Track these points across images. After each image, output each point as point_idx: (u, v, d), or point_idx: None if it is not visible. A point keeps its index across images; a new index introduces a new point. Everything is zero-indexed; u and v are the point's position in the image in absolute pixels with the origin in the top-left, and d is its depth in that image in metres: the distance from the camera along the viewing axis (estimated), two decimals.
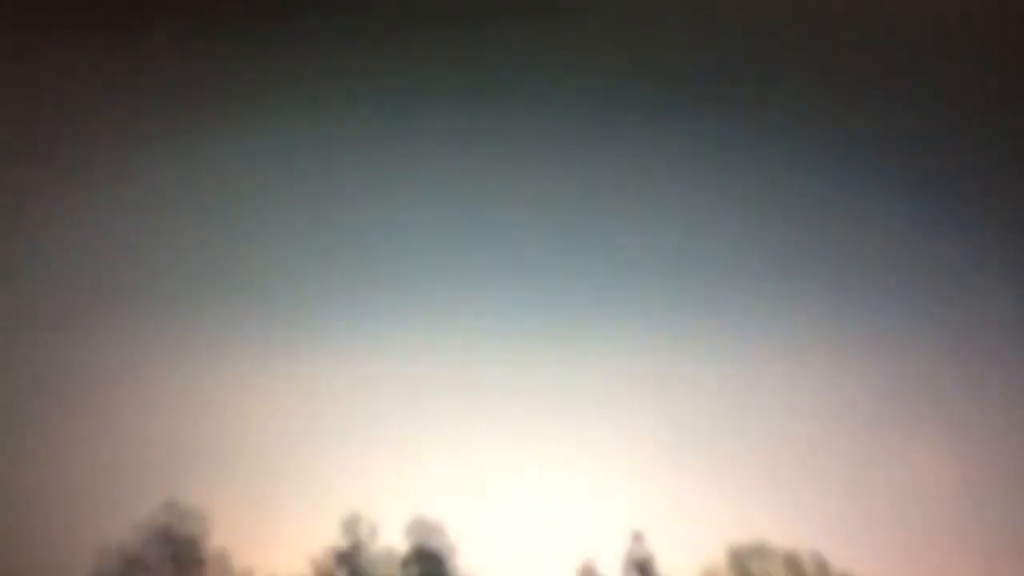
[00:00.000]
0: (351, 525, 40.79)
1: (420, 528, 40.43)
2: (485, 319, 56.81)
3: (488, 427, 56.22)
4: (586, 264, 59.19)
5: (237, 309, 57.56)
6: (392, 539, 40.62)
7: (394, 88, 60.40)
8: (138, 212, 56.49)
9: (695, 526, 50.62)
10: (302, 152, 59.48)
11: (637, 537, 40.22)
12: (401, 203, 60.21)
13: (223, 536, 41.61)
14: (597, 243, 59.11)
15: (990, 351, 53.98)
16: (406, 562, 39.28)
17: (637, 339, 55.52)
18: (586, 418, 56.60)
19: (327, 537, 40.87)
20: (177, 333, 55.16)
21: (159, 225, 57.33)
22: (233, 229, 58.30)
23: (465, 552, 40.63)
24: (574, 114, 59.23)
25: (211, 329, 55.81)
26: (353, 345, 57.46)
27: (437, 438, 56.71)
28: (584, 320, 56.26)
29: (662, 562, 39.53)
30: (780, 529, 48.90)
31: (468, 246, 60.50)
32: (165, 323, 55.91)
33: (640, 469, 54.70)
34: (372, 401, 56.85)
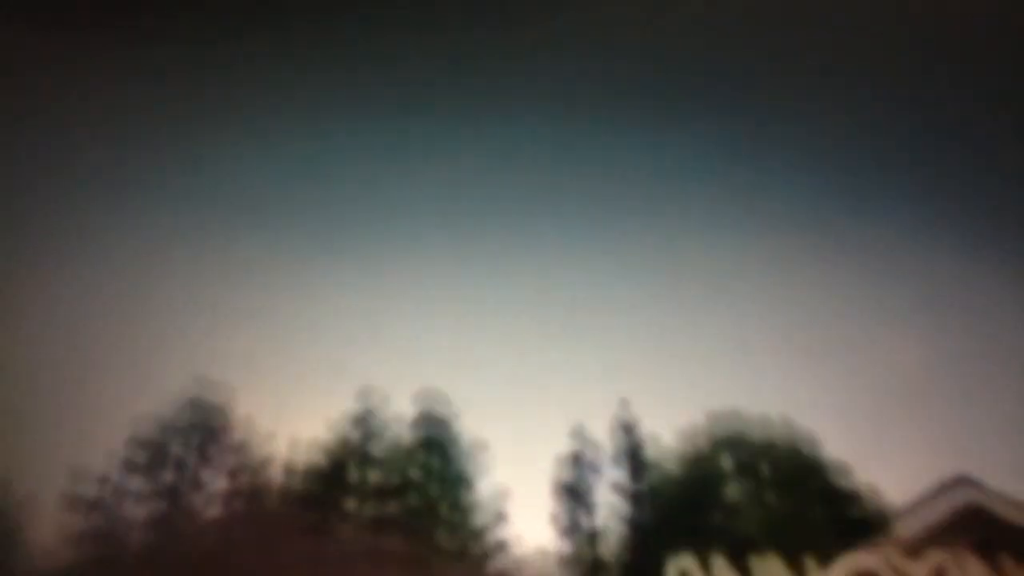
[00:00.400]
0: (364, 394, 41.59)
1: (426, 397, 41.27)
2: (482, 213, 57.02)
3: (488, 307, 57.01)
4: (579, 157, 59.13)
5: (265, 202, 57.82)
6: (401, 407, 41.45)
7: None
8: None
9: (676, 394, 51.60)
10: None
11: (623, 403, 41.09)
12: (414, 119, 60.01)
13: (248, 404, 42.36)
14: (588, 139, 58.97)
15: (955, 249, 54.31)
16: (414, 425, 40.10)
17: (626, 223, 55.79)
18: (577, 297, 57.31)
19: (343, 405, 41.65)
20: (210, 222, 55.48)
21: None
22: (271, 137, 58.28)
23: (467, 417, 41.50)
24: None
25: (241, 220, 56.10)
26: (369, 237, 57.92)
27: (442, 317, 57.55)
28: (574, 207, 56.42)
29: (645, 425, 40.39)
30: (754, 397, 49.81)
31: (467, 149, 60.44)
32: (201, 212, 56.17)
33: (627, 342, 55.63)
34: (384, 285, 57.52)
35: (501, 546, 34.31)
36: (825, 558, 9.27)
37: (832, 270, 56.43)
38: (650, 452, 38.98)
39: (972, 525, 9.50)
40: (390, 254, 57.00)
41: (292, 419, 49.92)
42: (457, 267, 58.15)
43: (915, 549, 9.39)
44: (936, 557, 8.25)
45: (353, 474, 37.38)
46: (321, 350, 57.86)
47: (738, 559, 27.50)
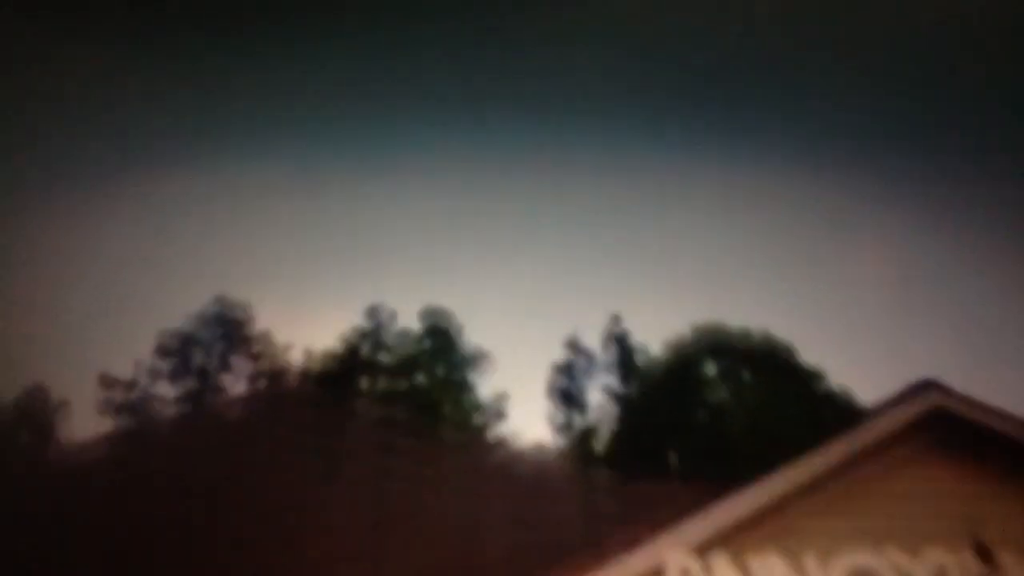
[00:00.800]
0: (374, 311, 41.64)
1: (431, 312, 41.31)
2: (484, 141, 56.66)
3: (489, 228, 56.92)
4: (577, 81, 58.54)
5: (282, 127, 57.42)
6: (408, 322, 41.54)
7: None
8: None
9: (664, 308, 51.73)
10: None
11: (614, 318, 41.14)
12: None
13: (266, 319, 42.50)
14: (590, 61, 58.30)
15: (924, 175, 54.09)
16: (421, 338, 40.20)
17: (620, 152, 55.51)
18: (573, 219, 57.20)
19: (353, 321, 41.76)
20: (231, 148, 55.19)
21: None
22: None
23: (469, 329, 41.61)
24: None
25: (259, 146, 55.76)
26: (377, 165, 57.67)
27: (446, 239, 57.47)
28: (573, 134, 56.05)
29: (635, 337, 40.51)
30: (736, 311, 49.99)
31: (469, 71, 59.83)
32: (221, 137, 55.89)
33: (618, 260, 55.72)
34: (392, 210, 57.33)
35: (500, 441, 34.62)
36: (799, 454, 9.33)
37: (810, 195, 56.20)
38: (639, 359, 39.13)
39: (936, 424, 9.59)
40: (397, 181, 56.76)
41: (305, 334, 50.07)
42: (460, 191, 57.94)
43: (882, 446, 9.48)
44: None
45: (363, 380, 37.56)
46: (333, 268, 57.95)
47: (720, 456, 27.77)
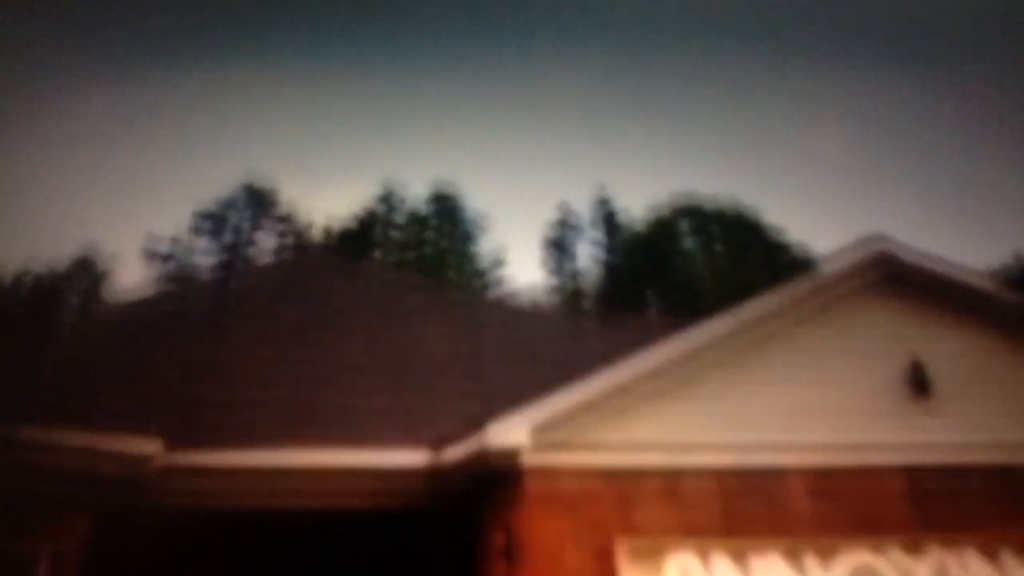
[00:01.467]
0: (387, 182, 41.41)
1: (438, 181, 41.09)
2: (481, 22, 55.29)
3: (490, 105, 56.16)
4: None
5: (297, 10, 55.99)
6: (417, 192, 41.37)
7: None
8: None
9: (646, 178, 51.59)
10: None
11: (601, 186, 40.94)
12: None
13: (290, 189, 42.33)
14: None
15: (876, 58, 52.96)
16: (428, 201, 40.10)
17: (609, 30, 54.28)
18: (563, 97, 56.33)
19: (369, 191, 41.56)
20: (254, 33, 53.98)
21: None
22: None
23: (472, 195, 41.50)
24: None
25: (278, 30, 54.45)
26: (387, 53, 56.56)
27: (450, 114, 56.86)
28: (566, 13, 54.64)
29: (619, 201, 40.39)
30: (709, 180, 49.83)
31: None
32: (245, 22, 54.56)
33: (606, 134, 55.18)
34: (400, 93, 56.49)
35: (499, 282, 35.03)
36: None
37: (776, 75, 55.28)
38: (622, 219, 39.15)
39: (882, 266, 9.50)
40: (405, 66, 55.87)
41: (325, 206, 49.99)
42: (463, 74, 56.97)
43: (828, 290, 9.40)
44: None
45: (379, 235, 37.63)
46: (348, 147, 57.56)
47: (692, 300, 28.29)
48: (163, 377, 10.89)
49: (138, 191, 54.83)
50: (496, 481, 8.18)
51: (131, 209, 55.30)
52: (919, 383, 8.95)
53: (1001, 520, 8.28)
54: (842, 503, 8.17)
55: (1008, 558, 8.16)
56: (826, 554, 8.04)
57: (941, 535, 8.22)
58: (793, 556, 8.02)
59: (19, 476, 7.75)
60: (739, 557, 7.91)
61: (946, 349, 9.15)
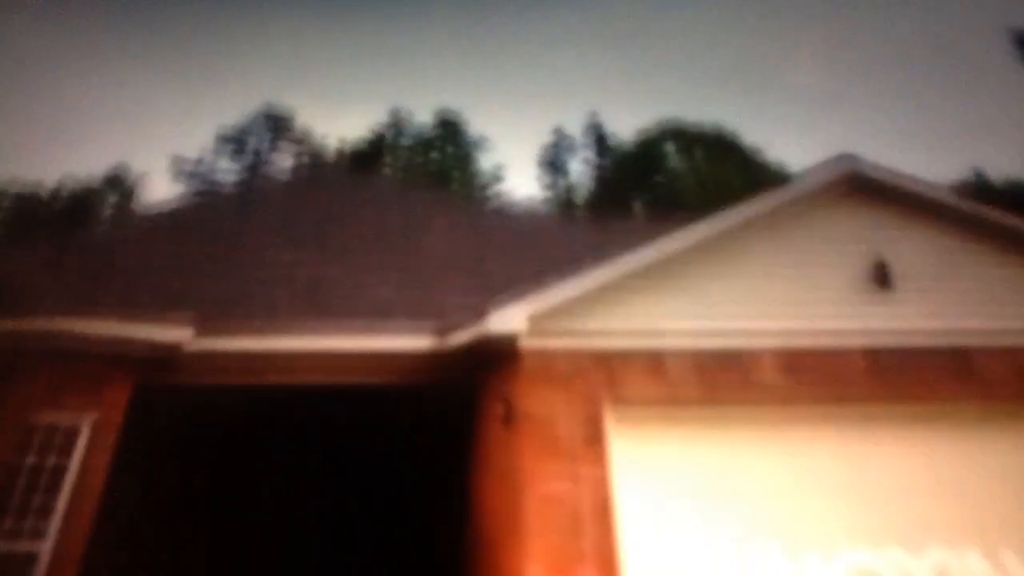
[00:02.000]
0: (394, 109, 40.85)
1: (442, 109, 40.52)
2: None
3: (490, 36, 55.13)
4: None
5: None
6: (422, 118, 40.84)
7: None
8: None
9: (635, 105, 50.91)
10: None
11: (593, 112, 40.41)
12: None
13: (305, 118, 41.85)
14: None
15: None
16: (434, 125, 39.65)
17: None
18: (560, 27, 55.32)
19: (379, 117, 41.08)
20: None
21: None
22: None
23: (474, 122, 41.03)
24: None
25: None
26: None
27: (452, 48, 55.86)
28: None
29: (609, 126, 39.93)
30: (691, 107, 49.26)
31: None
32: None
33: (598, 64, 54.31)
34: (407, 28, 55.49)
35: (498, 196, 34.88)
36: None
37: (757, 7, 54.24)
38: (612, 142, 38.74)
39: (851, 180, 9.45)
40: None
41: (338, 126, 49.36)
42: (465, 5, 55.89)
43: (809, 197, 9.35)
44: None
45: (388, 154, 37.35)
46: (360, 74, 56.66)
47: (672, 208, 28.21)
48: (191, 274, 10.93)
49: (164, 117, 54.31)
50: (496, 361, 8.34)
51: (158, 133, 54.82)
52: (881, 278, 8.99)
53: (953, 395, 8.43)
54: (808, 378, 8.31)
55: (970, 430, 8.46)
56: (793, 421, 8.27)
57: (897, 406, 8.40)
58: (766, 423, 8.24)
59: (65, 358, 7.91)
60: (716, 424, 8.16)
61: (907, 250, 9.18)
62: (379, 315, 9.96)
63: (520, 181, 47.91)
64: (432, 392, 9.17)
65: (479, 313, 8.18)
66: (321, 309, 10.16)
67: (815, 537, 7.87)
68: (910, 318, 8.80)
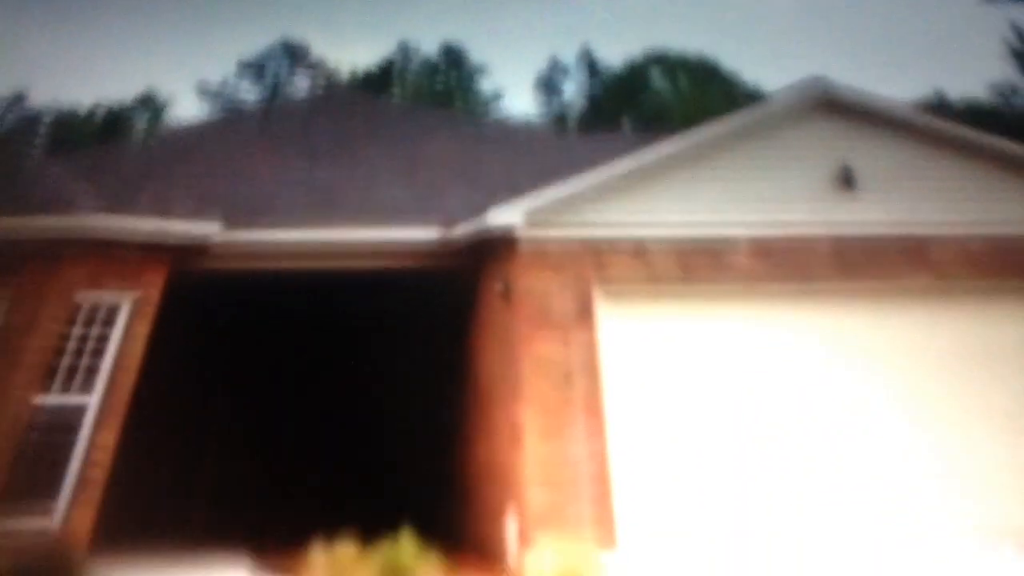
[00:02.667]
0: (402, 45, 39.86)
1: (446, 40, 39.58)
2: None
3: None
4: None
5: None
6: (428, 48, 39.93)
7: None
8: None
9: (623, 36, 49.83)
10: None
11: (585, 42, 39.49)
12: None
13: (319, 49, 40.88)
14: None
15: None
16: (438, 55, 38.82)
17: None
18: None
19: (387, 49, 40.14)
20: None
21: None
22: None
23: (475, 52, 40.12)
24: None
25: None
26: None
27: None
28: None
29: (600, 55, 38.98)
30: (676, 37, 48.14)
31: None
32: None
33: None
34: None
35: (497, 109, 34.56)
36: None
37: None
38: (602, 66, 38.00)
39: (820, 99, 9.31)
40: None
41: (349, 56, 48.35)
42: None
43: (783, 114, 9.25)
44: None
45: (396, 79, 36.75)
46: (370, 6, 55.28)
47: (657, 125, 27.87)
48: (218, 181, 10.85)
49: (189, 48, 53.22)
50: (496, 249, 8.40)
51: (183, 62, 53.88)
52: (846, 181, 8.96)
53: (909, 277, 8.56)
54: (777, 262, 8.40)
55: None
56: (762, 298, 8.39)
57: (858, 286, 8.50)
58: (738, 301, 8.36)
59: (106, 248, 7.99)
60: (692, 300, 8.28)
61: (871, 158, 9.12)
62: (389, 214, 9.93)
63: (517, 104, 47.14)
64: (438, 276, 9.23)
65: (480, 211, 8.24)
66: (336, 209, 10.13)
67: (776, 393, 8.08)
68: (871, 213, 8.82)
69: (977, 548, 7.21)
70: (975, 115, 24.03)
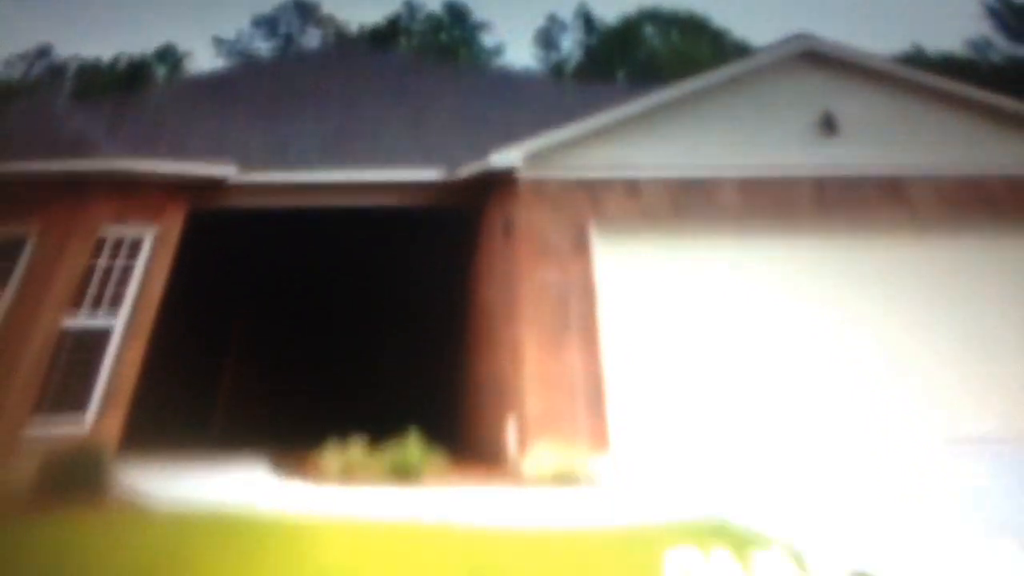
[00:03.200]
0: (407, 3, 38.84)
1: (451, 4, 38.51)
2: None
3: None
4: None
5: None
6: (433, 7, 38.90)
7: None
8: None
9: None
10: None
11: (582, 3, 38.39)
12: None
13: (328, 8, 39.90)
14: None
15: None
16: (443, 11, 37.86)
17: None
18: None
19: (395, 6, 39.12)
20: None
21: None
22: None
23: (478, 10, 39.09)
24: None
25: None
26: None
27: None
28: None
29: (597, 13, 37.98)
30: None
31: None
32: None
33: None
34: None
35: (498, 63, 33.86)
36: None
37: None
38: (598, 23, 37.13)
39: (805, 54, 9.05)
40: None
41: (358, 16, 47.11)
42: None
43: (770, 68, 9.02)
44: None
45: (402, 35, 35.98)
46: None
47: (654, 76, 27.35)
48: (234, 128, 10.65)
49: (206, 1, 51.97)
50: (497, 189, 8.37)
51: (200, 15, 52.65)
52: (829, 127, 8.84)
53: (886, 213, 8.48)
54: (762, 199, 8.32)
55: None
56: (747, 233, 8.34)
57: (838, 221, 8.43)
58: (725, 235, 8.31)
59: (129, 188, 7.90)
60: (681, 234, 8.23)
61: (852, 106, 8.99)
62: (396, 158, 9.77)
63: (517, 58, 46.21)
64: (443, 212, 9.14)
65: (482, 155, 8.21)
66: (346, 153, 9.96)
67: (759, 316, 8.08)
68: (851, 156, 8.71)
69: (945, 453, 7.27)
70: (951, 68, 23.61)
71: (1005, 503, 5.60)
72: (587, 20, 36.47)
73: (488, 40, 35.76)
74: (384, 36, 34.56)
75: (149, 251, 7.76)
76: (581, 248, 7.76)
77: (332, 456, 6.68)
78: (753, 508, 5.40)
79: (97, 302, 7.52)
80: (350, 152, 9.99)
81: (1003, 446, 7.41)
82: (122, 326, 7.45)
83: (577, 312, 7.48)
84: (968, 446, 7.42)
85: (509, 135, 9.69)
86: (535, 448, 6.90)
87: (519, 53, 39.16)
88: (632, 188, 8.14)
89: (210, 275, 10.53)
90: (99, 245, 7.61)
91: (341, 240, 10.94)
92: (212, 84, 15.59)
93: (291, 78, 14.64)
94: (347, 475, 6.51)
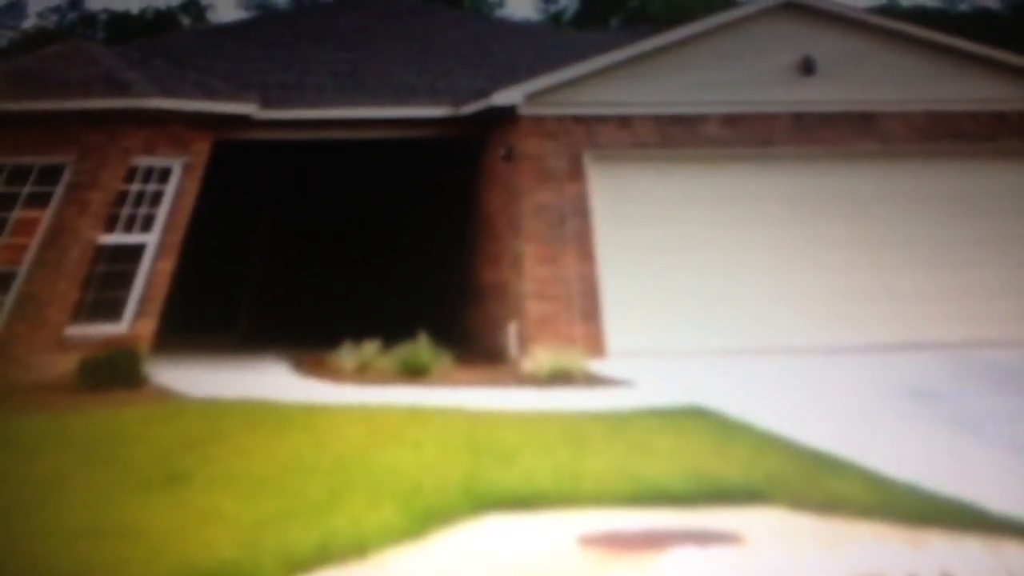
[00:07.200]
0: None
1: None
2: None
3: None
4: None
5: None
6: None
7: None
8: None
9: None
10: None
11: None
12: None
13: None
14: None
15: None
16: None
17: None
18: None
19: None
20: None
21: None
22: None
23: None
24: None
25: None
26: None
27: None
28: None
29: None
30: None
31: None
32: None
33: None
34: None
35: (498, 12, 33.09)
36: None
37: None
38: None
39: (788, 2, 8.96)
40: None
41: None
42: None
43: (754, 16, 8.88)
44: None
45: None
46: None
47: (642, 22, 26.56)
48: (255, 69, 10.55)
49: None
50: (500, 123, 8.51)
51: None
52: (807, 67, 8.78)
53: (860, 144, 8.63)
54: (744, 131, 8.45)
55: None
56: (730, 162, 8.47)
57: (815, 151, 8.57)
58: (709, 164, 8.46)
59: (158, 123, 7.93)
60: (669, 162, 8.35)
61: (829, 50, 8.94)
62: (406, 95, 9.75)
63: (518, 9, 45.18)
64: (449, 143, 9.26)
65: (486, 93, 8.36)
66: (359, 91, 9.93)
67: (741, 237, 8.22)
68: (828, 93, 8.76)
69: (904, 360, 7.37)
70: (922, 16, 23.08)
71: (956, 401, 5.71)
72: None
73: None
74: None
75: (178, 178, 7.83)
76: (576, 173, 7.95)
77: (348, 356, 6.86)
78: (729, 399, 5.55)
79: (131, 222, 7.65)
80: (363, 90, 9.97)
81: (961, 351, 7.56)
82: (155, 242, 7.61)
83: (573, 229, 7.72)
84: (929, 351, 7.56)
85: (511, 74, 9.68)
86: (535, 350, 7.05)
87: (520, 3, 38.10)
88: (624, 122, 8.25)
89: (235, 197, 10.58)
90: (131, 173, 7.66)
91: (355, 167, 10.95)
92: (234, 29, 15.44)
93: (307, 23, 14.47)
94: (362, 374, 6.70)
